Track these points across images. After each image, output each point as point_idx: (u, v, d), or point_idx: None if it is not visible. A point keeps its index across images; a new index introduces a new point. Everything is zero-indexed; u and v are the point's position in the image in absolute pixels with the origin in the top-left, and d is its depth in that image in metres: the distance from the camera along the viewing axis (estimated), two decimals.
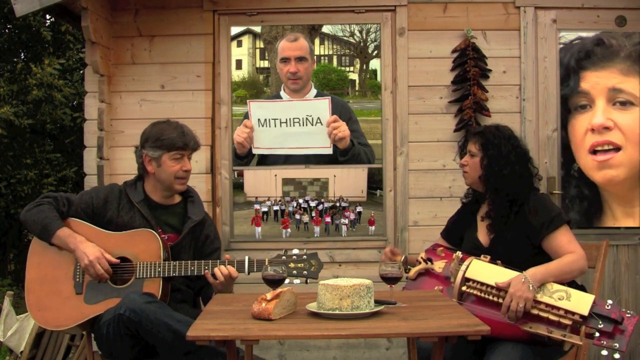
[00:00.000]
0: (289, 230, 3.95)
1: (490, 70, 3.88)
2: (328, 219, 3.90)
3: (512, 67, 3.91)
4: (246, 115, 3.82)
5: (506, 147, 2.70)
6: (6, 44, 7.45)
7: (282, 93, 3.84)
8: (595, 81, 3.88)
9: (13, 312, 4.19)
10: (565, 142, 3.91)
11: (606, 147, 3.86)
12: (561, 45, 3.90)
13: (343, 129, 3.72)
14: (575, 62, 3.89)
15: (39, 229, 2.71)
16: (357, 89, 3.97)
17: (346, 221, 3.91)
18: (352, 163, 3.72)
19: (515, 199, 2.65)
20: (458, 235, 2.88)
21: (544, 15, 3.92)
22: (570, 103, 3.90)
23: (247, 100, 3.45)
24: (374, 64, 3.92)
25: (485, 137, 2.74)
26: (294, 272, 2.66)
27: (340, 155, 3.72)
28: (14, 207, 7.14)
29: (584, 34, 3.91)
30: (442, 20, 3.92)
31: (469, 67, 3.85)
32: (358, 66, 3.94)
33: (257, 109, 3.56)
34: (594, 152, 3.87)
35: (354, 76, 3.94)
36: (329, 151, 3.76)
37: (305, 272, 2.66)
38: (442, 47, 3.91)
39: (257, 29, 3.81)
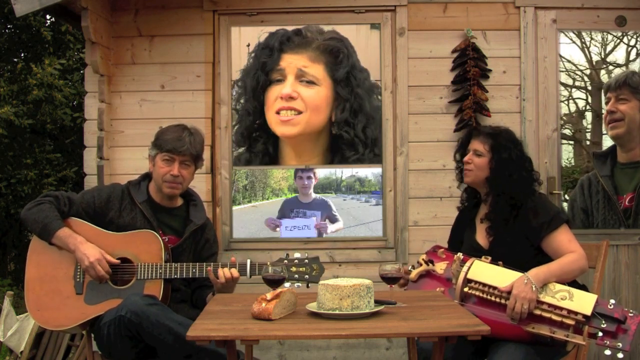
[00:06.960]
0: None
1: (490, 70, 3.88)
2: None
3: (512, 67, 3.90)
4: None
5: (515, 152, 2.69)
6: (6, 44, 7.46)
7: None
8: None
9: (13, 312, 4.19)
10: None
11: None
12: None
13: None
14: None
15: (39, 228, 2.70)
16: None
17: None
18: None
19: (516, 202, 2.64)
20: (459, 240, 2.87)
21: (544, 15, 3.91)
22: None
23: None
24: None
25: (496, 140, 2.71)
26: (296, 275, 2.65)
27: None
28: (14, 207, 7.14)
29: None
30: (442, 20, 3.92)
31: (469, 67, 3.84)
32: None
33: None
34: None
35: None
36: None
37: (306, 276, 2.66)
38: (442, 47, 3.91)
39: None
